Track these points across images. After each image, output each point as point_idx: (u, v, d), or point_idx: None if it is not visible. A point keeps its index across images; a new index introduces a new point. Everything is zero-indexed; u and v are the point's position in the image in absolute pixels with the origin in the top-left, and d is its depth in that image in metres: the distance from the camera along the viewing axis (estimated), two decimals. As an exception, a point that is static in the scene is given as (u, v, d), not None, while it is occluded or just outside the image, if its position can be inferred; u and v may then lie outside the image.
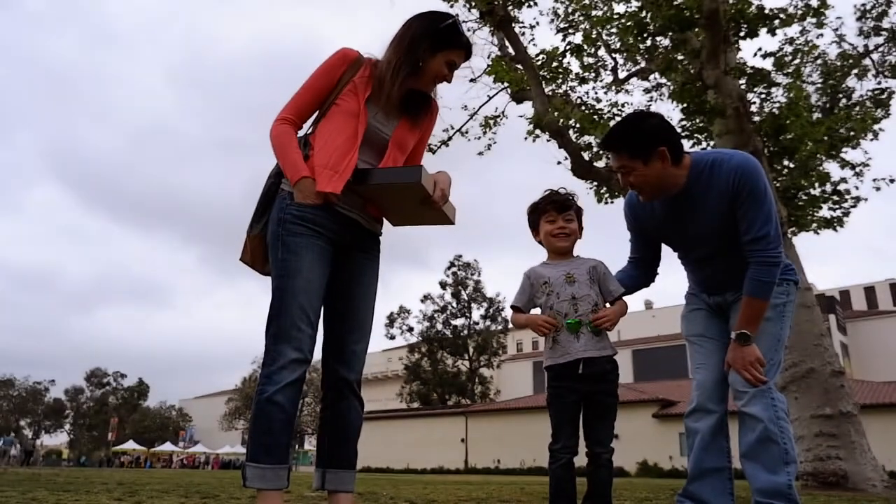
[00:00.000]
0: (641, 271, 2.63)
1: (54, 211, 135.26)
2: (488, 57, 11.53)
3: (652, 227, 2.50)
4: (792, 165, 10.29)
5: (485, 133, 12.23)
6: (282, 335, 1.92)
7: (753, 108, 10.21)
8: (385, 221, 2.25)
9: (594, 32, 10.25)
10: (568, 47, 10.57)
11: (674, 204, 2.33)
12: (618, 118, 10.87)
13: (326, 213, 2.03)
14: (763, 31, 8.69)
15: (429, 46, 2.08)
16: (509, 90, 11.38)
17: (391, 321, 49.41)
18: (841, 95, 11.35)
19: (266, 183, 2.13)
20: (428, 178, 2.00)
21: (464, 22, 11.16)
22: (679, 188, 2.27)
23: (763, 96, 10.55)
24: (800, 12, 9.43)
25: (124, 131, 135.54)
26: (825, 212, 10.84)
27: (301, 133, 2.13)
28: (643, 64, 10.74)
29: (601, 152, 10.99)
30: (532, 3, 10.54)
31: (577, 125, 10.15)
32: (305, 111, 2.11)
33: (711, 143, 9.66)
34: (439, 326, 48.72)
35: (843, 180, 10.93)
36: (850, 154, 11.11)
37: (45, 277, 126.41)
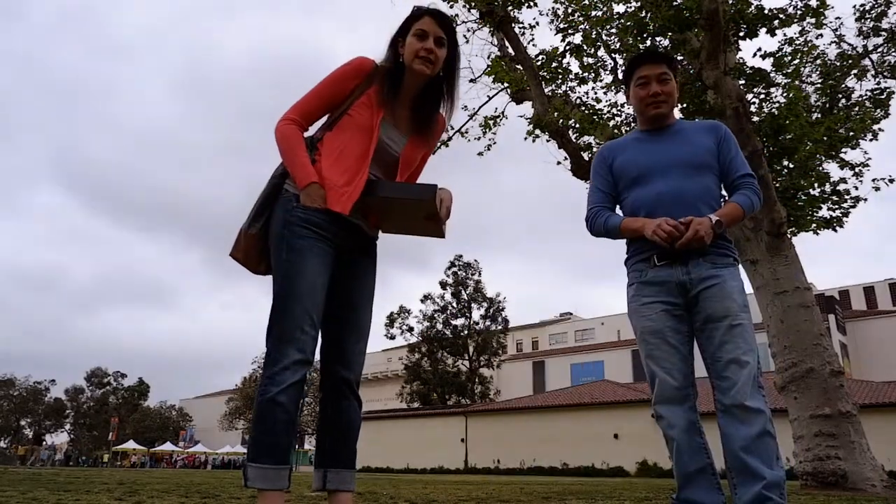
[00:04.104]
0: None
1: (58, 214, 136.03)
2: (488, 57, 11.55)
3: (624, 159, 2.54)
4: (791, 165, 10.27)
5: (484, 133, 12.23)
6: (285, 337, 1.92)
7: (753, 109, 10.20)
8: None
9: (594, 33, 10.23)
10: (568, 47, 10.56)
11: (660, 135, 2.54)
12: (617, 118, 10.88)
13: (331, 218, 2.04)
14: (762, 31, 8.70)
15: (399, 37, 2.14)
16: (509, 90, 11.38)
17: (391, 321, 49.36)
18: (840, 96, 11.32)
19: (269, 182, 2.11)
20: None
21: (463, 22, 11.26)
22: (669, 122, 2.57)
23: (762, 96, 10.55)
24: (799, 12, 9.42)
25: (128, 136, 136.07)
26: (825, 212, 10.81)
27: (307, 134, 2.13)
28: (643, 64, 10.71)
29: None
30: (532, 3, 10.55)
31: (577, 125, 10.15)
32: (313, 115, 2.12)
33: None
34: (439, 326, 48.66)
35: (843, 180, 10.91)
36: (849, 154, 11.08)
37: (48, 279, 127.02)
